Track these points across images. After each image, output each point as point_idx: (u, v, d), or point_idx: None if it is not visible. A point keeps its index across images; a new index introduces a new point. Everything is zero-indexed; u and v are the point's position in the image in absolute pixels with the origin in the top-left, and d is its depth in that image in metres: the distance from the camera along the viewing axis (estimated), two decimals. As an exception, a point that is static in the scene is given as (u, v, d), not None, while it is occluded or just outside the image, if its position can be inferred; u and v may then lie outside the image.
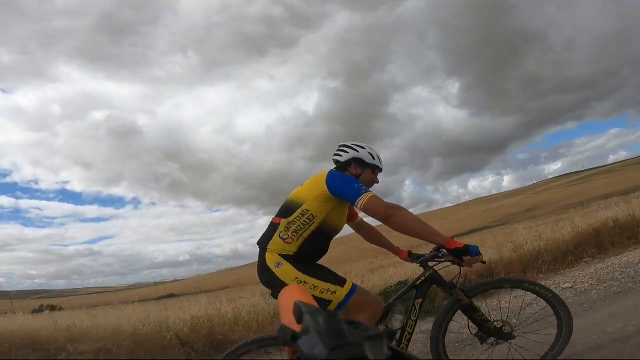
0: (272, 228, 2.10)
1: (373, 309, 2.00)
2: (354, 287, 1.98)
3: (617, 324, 2.80)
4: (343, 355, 0.38)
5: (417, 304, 2.14)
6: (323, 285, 1.94)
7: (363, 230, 2.52)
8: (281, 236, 2.04)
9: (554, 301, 2.18)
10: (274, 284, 2.01)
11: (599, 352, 2.46)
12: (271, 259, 2.02)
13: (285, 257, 2.02)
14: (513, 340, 2.16)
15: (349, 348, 0.39)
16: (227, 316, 4.71)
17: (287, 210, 2.10)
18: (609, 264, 4.43)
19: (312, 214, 2.03)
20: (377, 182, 2.25)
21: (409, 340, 2.09)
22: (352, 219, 2.43)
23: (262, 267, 2.05)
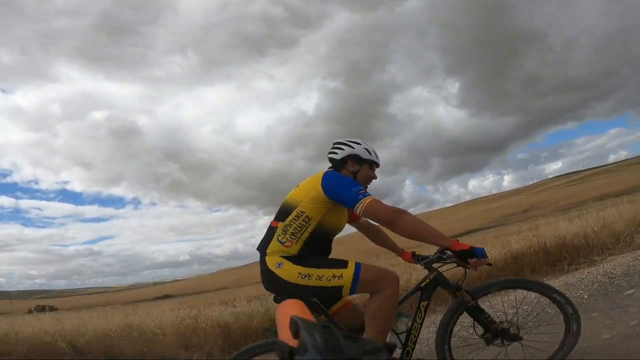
0: (270, 232, 2.06)
1: (389, 282, 1.93)
2: (357, 264, 1.94)
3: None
4: None
5: (422, 306, 2.11)
6: (327, 272, 1.90)
7: (367, 230, 2.49)
8: (279, 239, 2.01)
9: (561, 301, 2.16)
10: (278, 287, 1.97)
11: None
12: (272, 261, 1.99)
13: (286, 257, 1.98)
14: (519, 341, 2.15)
15: None
16: (147, 328, 4.59)
17: (283, 212, 2.06)
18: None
19: (307, 216, 1.99)
20: (375, 178, 2.22)
21: (414, 343, 2.08)
22: (355, 220, 2.40)
23: (264, 272, 2.01)
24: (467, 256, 1.86)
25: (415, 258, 2.38)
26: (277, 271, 1.95)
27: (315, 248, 2.04)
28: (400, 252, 2.51)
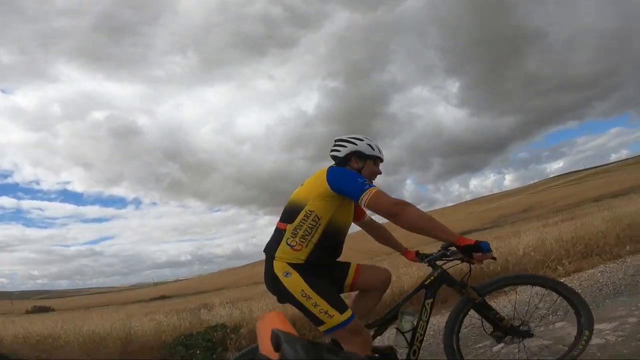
0: (278, 234, 1.99)
1: (363, 338, 1.91)
2: (352, 316, 1.89)
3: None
4: None
5: (428, 304, 2.06)
6: (324, 305, 1.86)
7: (371, 229, 2.44)
8: (289, 243, 1.94)
9: (572, 298, 2.10)
10: (281, 293, 1.94)
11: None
12: (279, 268, 1.93)
13: (295, 266, 1.92)
14: (530, 339, 2.09)
15: None
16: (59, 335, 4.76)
17: (290, 214, 1.99)
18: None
19: (316, 215, 1.93)
20: (380, 173, 2.17)
21: (421, 342, 2.03)
22: (360, 218, 2.35)
23: (270, 276, 1.95)
24: (473, 250, 1.82)
25: (419, 256, 2.33)
26: (284, 280, 1.90)
27: (326, 249, 1.99)
28: (404, 251, 2.45)
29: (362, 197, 1.82)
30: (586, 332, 2.09)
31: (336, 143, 2.13)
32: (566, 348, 2.14)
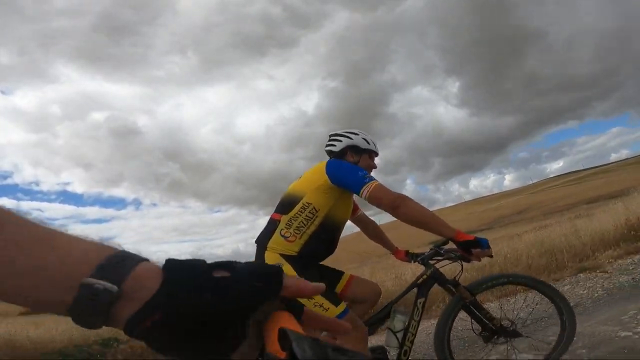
0: (272, 225, 1.97)
1: (359, 331, 1.87)
2: (346, 310, 1.87)
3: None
4: None
5: (420, 303, 2.06)
6: (319, 298, 1.82)
7: (364, 225, 2.44)
8: (282, 234, 1.92)
9: (556, 299, 2.12)
10: None
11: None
12: (271, 259, 1.90)
13: (287, 257, 1.89)
14: (518, 338, 2.10)
15: None
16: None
17: (286, 205, 1.97)
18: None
19: (314, 207, 1.91)
20: (375, 167, 2.17)
21: (412, 342, 2.02)
22: (353, 213, 2.34)
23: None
24: (472, 246, 1.80)
25: (409, 256, 2.34)
26: None
27: (321, 243, 1.97)
28: (394, 251, 2.46)
29: (362, 189, 1.81)
30: (569, 334, 2.11)
31: (331, 138, 2.14)
32: (550, 348, 2.15)
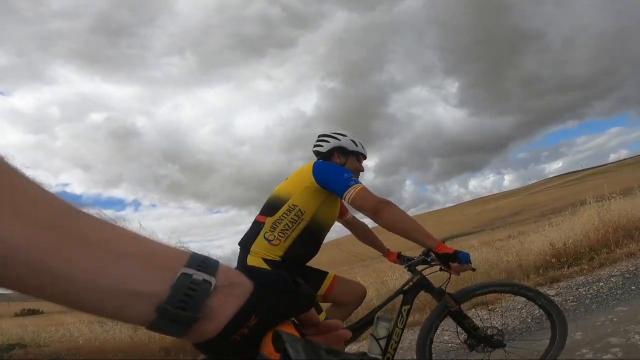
0: (256, 227, 1.93)
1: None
2: (325, 318, 1.83)
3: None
4: None
5: (404, 310, 2.03)
6: None
7: (354, 227, 2.41)
8: (266, 237, 1.88)
9: (547, 306, 2.10)
10: None
11: None
12: (254, 263, 1.86)
13: (270, 263, 1.86)
14: (504, 348, 2.08)
15: None
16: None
17: (271, 207, 1.94)
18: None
19: (300, 210, 1.88)
20: (362, 170, 2.15)
21: (395, 349, 1.99)
22: (342, 216, 2.31)
23: (243, 270, 1.90)
24: (450, 260, 1.78)
25: (401, 259, 2.32)
26: None
27: (305, 246, 1.94)
28: (386, 253, 2.44)
29: (346, 193, 1.79)
30: (560, 341, 2.08)
31: (319, 138, 2.12)
32: (538, 356, 2.13)
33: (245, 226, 2.12)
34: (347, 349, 2.00)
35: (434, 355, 2.08)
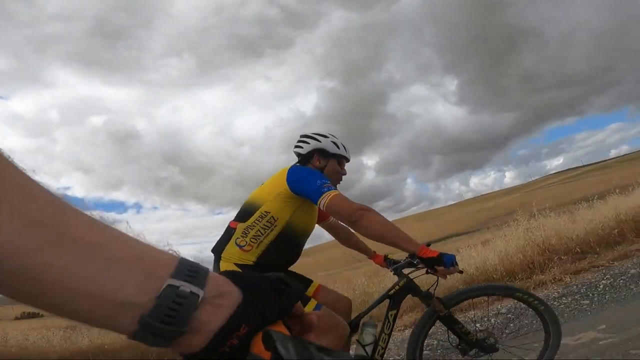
0: (228, 233, 1.88)
1: (338, 331, 1.77)
2: (318, 306, 1.74)
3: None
4: None
5: (391, 315, 1.95)
6: None
7: (337, 231, 2.33)
8: (237, 243, 1.82)
9: (541, 309, 2.03)
10: None
11: None
12: (227, 269, 1.79)
13: (243, 267, 1.79)
14: (496, 352, 2.01)
15: None
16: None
17: (244, 212, 1.88)
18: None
19: (272, 217, 1.82)
20: (344, 174, 2.08)
21: (382, 355, 1.92)
22: (324, 219, 2.24)
23: (231, 276, 1.83)
24: (435, 263, 1.71)
25: (387, 262, 2.25)
26: None
27: (280, 253, 1.86)
28: (372, 255, 2.37)
29: (320, 199, 1.72)
30: (554, 344, 2.02)
31: (300, 139, 2.05)
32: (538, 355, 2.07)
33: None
34: None
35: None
